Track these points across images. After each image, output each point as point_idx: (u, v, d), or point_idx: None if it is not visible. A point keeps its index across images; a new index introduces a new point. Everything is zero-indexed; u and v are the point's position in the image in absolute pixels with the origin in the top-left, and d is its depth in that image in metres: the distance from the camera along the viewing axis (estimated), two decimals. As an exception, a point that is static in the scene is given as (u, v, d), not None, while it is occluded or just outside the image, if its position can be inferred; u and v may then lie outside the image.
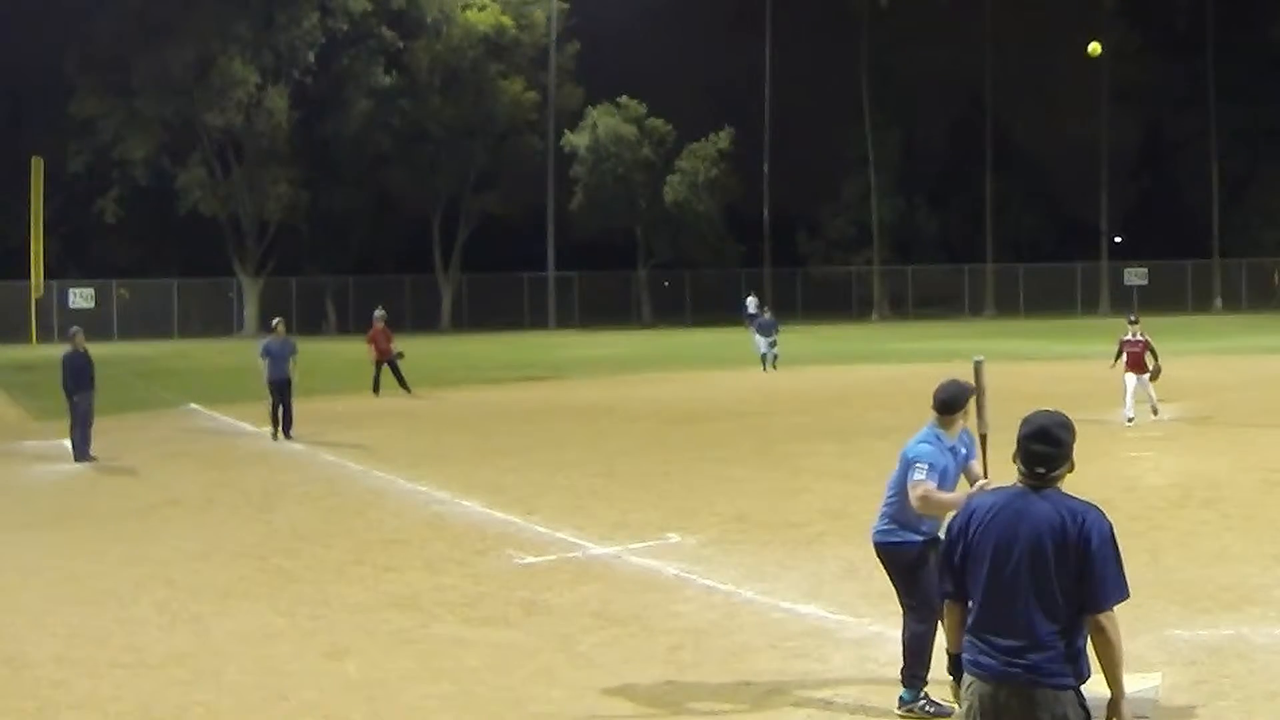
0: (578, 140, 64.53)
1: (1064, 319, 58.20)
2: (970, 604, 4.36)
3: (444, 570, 10.27)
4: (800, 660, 7.63)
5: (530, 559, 10.58)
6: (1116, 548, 4.19)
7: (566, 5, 64.70)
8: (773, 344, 31.14)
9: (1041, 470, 4.28)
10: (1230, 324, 50.81)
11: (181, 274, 61.22)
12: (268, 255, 61.37)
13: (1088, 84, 64.15)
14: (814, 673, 7.38)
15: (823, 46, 66.06)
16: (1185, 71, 65.39)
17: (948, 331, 50.58)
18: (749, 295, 58.56)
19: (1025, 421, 4.35)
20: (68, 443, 17.70)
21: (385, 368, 26.12)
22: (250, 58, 57.84)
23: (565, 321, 63.31)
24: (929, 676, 6.67)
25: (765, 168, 66.65)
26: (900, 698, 6.76)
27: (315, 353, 30.90)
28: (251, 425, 20.91)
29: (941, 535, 5.29)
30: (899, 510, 6.81)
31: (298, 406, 19.72)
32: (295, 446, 18.52)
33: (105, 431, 18.40)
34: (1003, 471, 5.22)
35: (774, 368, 30.65)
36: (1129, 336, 19.60)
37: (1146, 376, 19.27)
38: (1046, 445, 4.29)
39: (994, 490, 4.43)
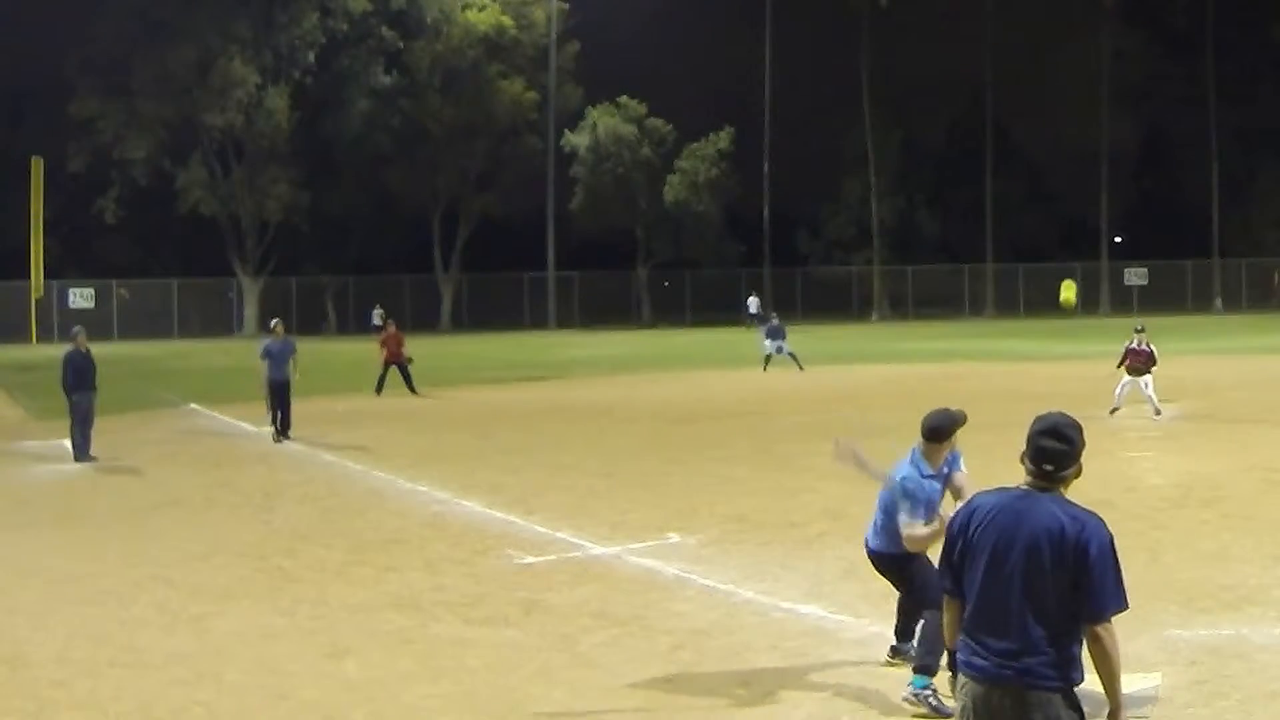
0: (578, 140, 64.55)
1: (1064, 319, 58.19)
2: (966, 603, 4.36)
3: (444, 570, 10.27)
4: (800, 660, 7.63)
5: (530, 559, 10.57)
6: (1116, 558, 4.17)
7: (566, 5, 64.70)
8: (780, 349, 31.11)
9: (1050, 468, 4.27)
10: (1230, 324, 50.83)
11: (181, 274, 61.20)
12: (268, 255, 61.37)
13: (1088, 84, 64.18)
14: (814, 673, 7.38)
15: (823, 46, 66.10)
16: (1185, 71, 65.40)
17: (948, 331, 50.60)
18: (750, 295, 58.59)
19: (1038, 419, 4.36)
20: (67, 443, 17.69)
21: (394, 370, 26.18)
22: (250, 58, 57.86)
23: (565, 321, 63.30)
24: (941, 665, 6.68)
25: (765, 168, 66.66)
26: (911, 682, 6.79)
27: (315, 353, 30.89)
28: (251, 425, 20.90)
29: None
30: (893, 527, 7.14)
31: (297, 406, 19.70)
32: (295, 446, 18.51)
33: (105, 431, 18.40)
34: (1003, 473, 5.22)
35: (799, 367, 30.52)
36: (1134, 344, 19.75)
37: (1146, 380, 19.41)
38: (1057, 442, 4.28)
39: (997, 490, 4.40)
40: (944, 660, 4.64)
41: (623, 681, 7.34)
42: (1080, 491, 4.37)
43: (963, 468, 7.16)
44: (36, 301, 51.96)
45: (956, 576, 4.38)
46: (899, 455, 7.32)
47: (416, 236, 66.02)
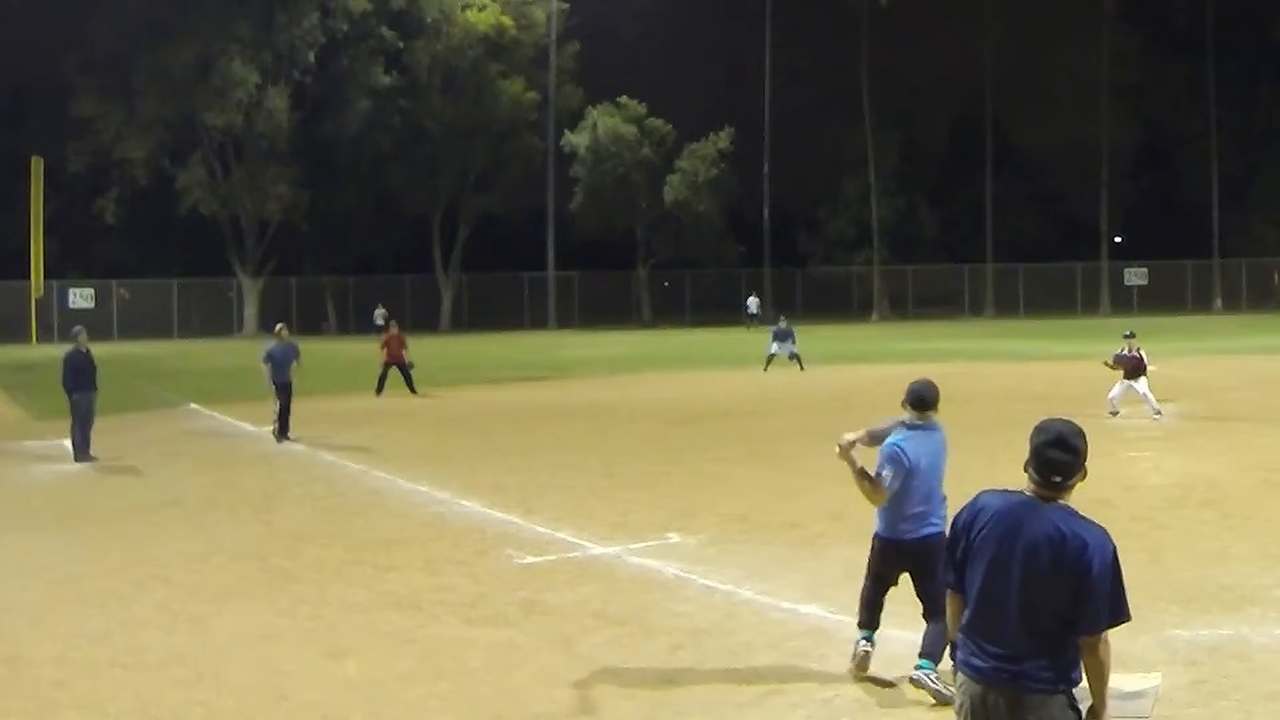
0: (578, 140, 64.55)
1: (1064, 319, 58.21)
2: (965, 605, 4.37)
3: (444, 570, 10.27)
4: (800, 660, 7.63)
5: (530, 559, 10.57)
6: (1119, 571, 4.17)
7: (566, 5, 64.72)
8: (789, 352, 31.14)
9: (1058, 479, 4.24)
10: (1230, 324, 50.83)
11: (181, 274, 61.22)
12: (268, 255, 61.36)
13: (1088, 84, 64.16)
14: (814, 673, 7.38)
15: (823, 46, 66.00)
16: (1185, 71, 65.40)
17: (948, 331, 50.59)
18: (750, 296, 58.54)
19: (1040, 429, 4.31)
20: (67, 443, 17.69)
21: (394, 371, 26.17)
22: (250, 58, 57.85)
23: (565, 321, 63.31)
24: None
25: (765, 168, 66.66)
26: (919, 665, 6.86)
27: (315, 353, 30.86)
28: (251, 425, 20.91)
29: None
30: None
31: (297, 406, 19.71)
32: (295, 447, 18.51)
33: (105, 431, 18.40)
34: (1004, 474, 5.22)
35: (800, 367, 30.61)
36: (1124, 351, 19.80)
37: (1141, 383, 19.45)
38: (1064, 453, 4.25)
39: (1004, 493, 4.37)
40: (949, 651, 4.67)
41: (623, 681, 7.34)
42: (1080, 491, 4.37)
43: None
44: (36, 301, 52.02)
45: (959, 573, 4.40)
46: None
47: (416, 236, 66.04)
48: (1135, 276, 66.09)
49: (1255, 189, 66.44)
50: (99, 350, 19.68)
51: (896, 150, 68.58)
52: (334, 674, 7.65)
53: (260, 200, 59.83)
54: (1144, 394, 19.39)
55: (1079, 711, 4.19)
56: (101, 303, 57.79)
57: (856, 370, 31.54)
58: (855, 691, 7.03)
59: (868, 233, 68.62)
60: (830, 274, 70.33)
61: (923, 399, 7.11)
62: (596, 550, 10.84)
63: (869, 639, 7.28)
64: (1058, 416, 4.43)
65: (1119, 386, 19.61)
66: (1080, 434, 4.30)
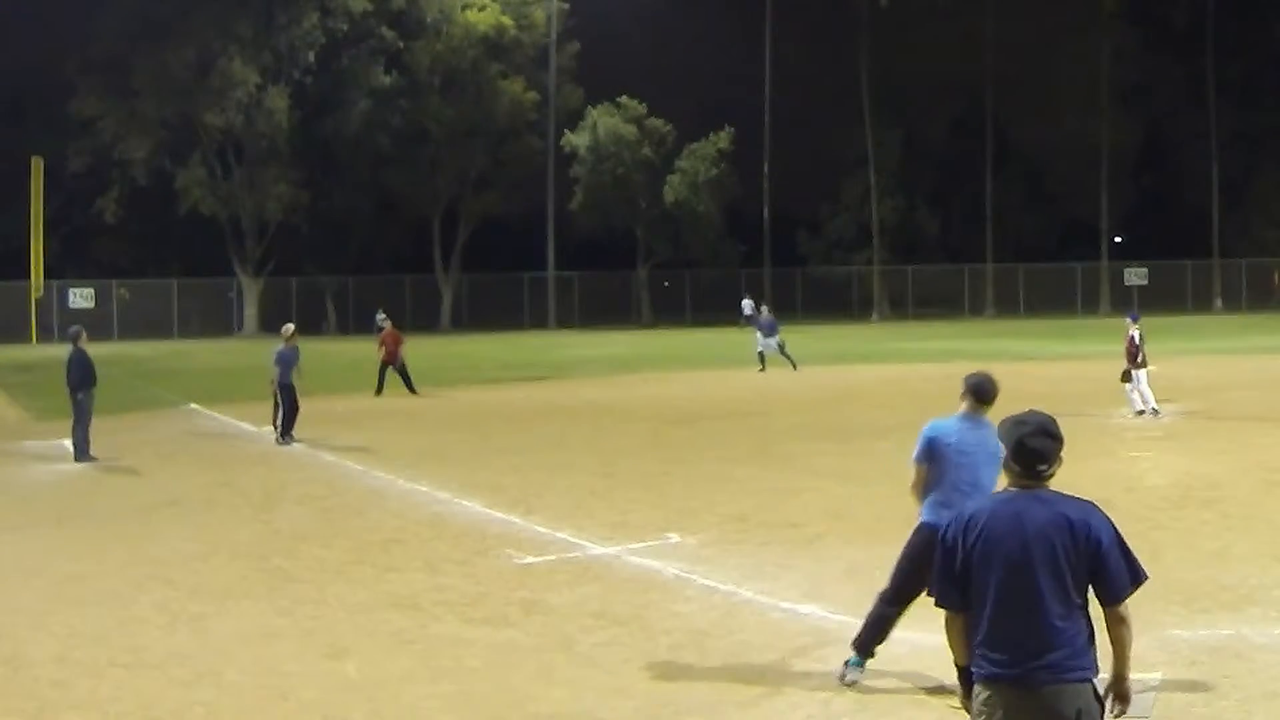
0: (578, 140, 64.54)
1: (1064, 319, 58.22)
2: (975, 616, 4.31)
3: (444, 570, 10.27)
4: (800, 660, 7.63)
5: (530, 559, 10.57)
6: (1122, 538, 4.27)
7: (566, 5, 64.71)
8: (775, 346, 31.12)
9: (1043, 467, 4.29)
10: (1230, 324, 50.83)
11: (181, 274, 61.23)
12: (268, 255, 61.36)
13: (1088, 84, 64.16)
14: (814, 673, 7.38)
15: (823, 46, 66.04)
16: (1185, 71, 65.40)
17: (948, 331, 50.58)
18: (744, 297, 58.45)
19: (1019, 422, 4.36)
20: (67, 442, 17.70)
21: (393, 370, 26.18)
22: (250, 58, 57.85)
23: (565, 321, 63.30)
24: None
25: (765, 168, 66.64)
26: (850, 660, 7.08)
27: (315, 353, 30.85)
28: (251, 425, 20.91)
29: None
30: None
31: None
32: (295, 447, 18.51)
33: (105, 431, 18.40)
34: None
35: (794, 366, 30.57)
36: (1131, 335, 19.72)
37: (1141, 375, 19.32)
38: (1048, 439, 4.31)
39: (987, 497, 4.40)
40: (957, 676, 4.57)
41: (623, 681, 7.34)
42: (1080, 491, 4.38)
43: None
44: (36, 301, 52.06)
45: (962, 589, 4.34)
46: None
47: (416, 236, 66.03)
48: (1135, 276, 66.08)
49: (1255, 189, 66.44)
50: (99, 350, 19.70)
51: (896, 150, 68.57)
52: (334, 674, 7.65)
53: (260, 200, 59.83)
54: (1138, 388, 19.22)
55: (1102, 702, 4.24)
56: (101, 303, 57.79)
57: (856, 370, 31.54)
58: (855, 691, 7.02)
59: (868, 233, 68.63)
60: (830, 274, 70.33)
61: (981, 392, 6.89)
62: (596, 550, 10.84)
63: (860, 666, 7.09)
64: (1030, 408, 4.48)
65: (1140, 378, 19.28)
66: (1055, 421, 4.38)
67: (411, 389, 26.03)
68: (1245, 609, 8.43)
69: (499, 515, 12.55)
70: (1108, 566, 4.19)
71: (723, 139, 64.82)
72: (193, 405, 24.99)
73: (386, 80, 60.69)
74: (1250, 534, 10.82)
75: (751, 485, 14.07)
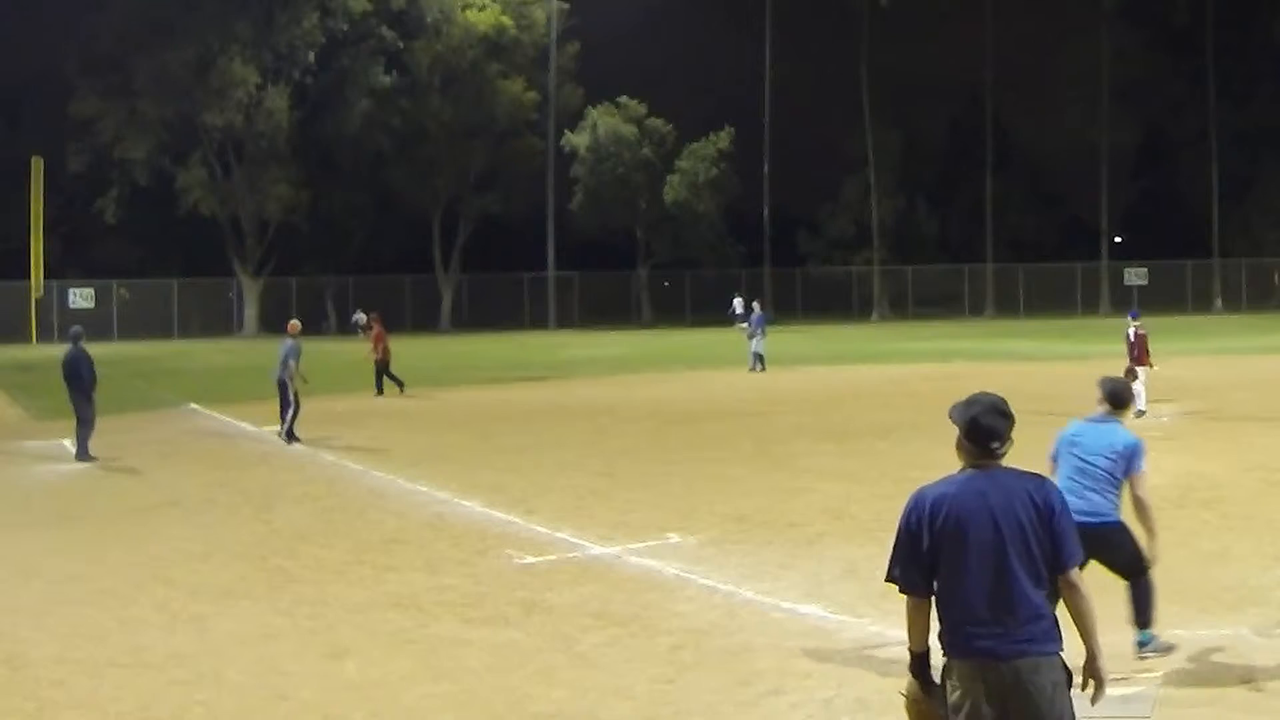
0: (578, 140, 64.56)
1: (1064, 319, 58.22)
2: (948, 596, 4.33)
3: (444, 570, 10.27)
4: (800, 660, 7.63)
5: (530, 559, 10.57)
6: (1069, 511, 4.42)
7: (566, 5, 64.72)
8: (757, 343, 31.26)
9: (995, 445, 4.39)
10: (1230, 324, 50.83)
11: (181, 274, 61.22)
12: (268, 255, 61.37)
13: (1088, 84, 64.18)
14: (814, 673, 7.38)
15: (823, 46, 66.09)
16: (1185, 71, 65.42)
17: (948, 331, 50.60)
18: (735, 296, 58.40)
19: (971, 402, 4.47)
20: (67, 442, 17.71)
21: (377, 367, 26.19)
22: (250, 58, 57.85)
23: (565, 321, 63.32)
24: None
25: (765, 168, 66.66)
26: (1141, 640, 7.08)
27: (316, 353, 30.86)
28: (251, 425, 20.91)
29: None
30: (1115, 494, 7.29)
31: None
32: (295, 447, 18.51)
33: (105, 431, 18.39)
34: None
35: (762, 367, 30.67)
36: (1130, 332, 19.75)
37: (1141, 374, 19.35)
38: (1000, 418, 4.41)
39: (940, 481, 4.43)
40: (909, 665, 4.51)
41: (623, 681, 7.34)
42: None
43: None
44: (36, 301, 52.04)
45: (928, 575, 4.36)
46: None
47: (416, 236, 66.04)
48: (1135, 276, 66.08)
49: (1255, 189, 66.45)
50: (99, 350, 19.70)
51: (896, 150, 68.61)
52: (334, 674, 7.65)
53: (260, 200, 59.84)
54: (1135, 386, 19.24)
55: (1069, 672, 4.31)
56: (101, 303, 57.79)
57: (857, 370, 31.54)
58: (855, 691, 7.02)
59: (868, 233, 68.65)
60: (830, 274, 70.37)
61: (1117, 397, 7.55)
62: (596, 550, 10.84)
63: (1156, 637, 7.25)
64: (982, 390, 4.58)
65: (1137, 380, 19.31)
66: (1006, 401, 4.49)
67: (380, 390, 25.94)
68: (1245, 609, 8.43)
69: (499, 515, 12.55)
70: (1063, 534, 4.30)
71: (723, 139, 64.84)
72: (193, 405, 24.99)
73: (386, 80, 60.70)
74: (1250, 534, 10.82)
75: (751, 485, 14.07)
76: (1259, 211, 66.45)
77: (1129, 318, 20.29)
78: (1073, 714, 4.26)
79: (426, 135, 61.94)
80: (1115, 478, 7.22)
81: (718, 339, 48.12)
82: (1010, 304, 65.89)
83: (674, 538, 11.23)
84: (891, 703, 6.83)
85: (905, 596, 4.43)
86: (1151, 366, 19.72)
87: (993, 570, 4.24)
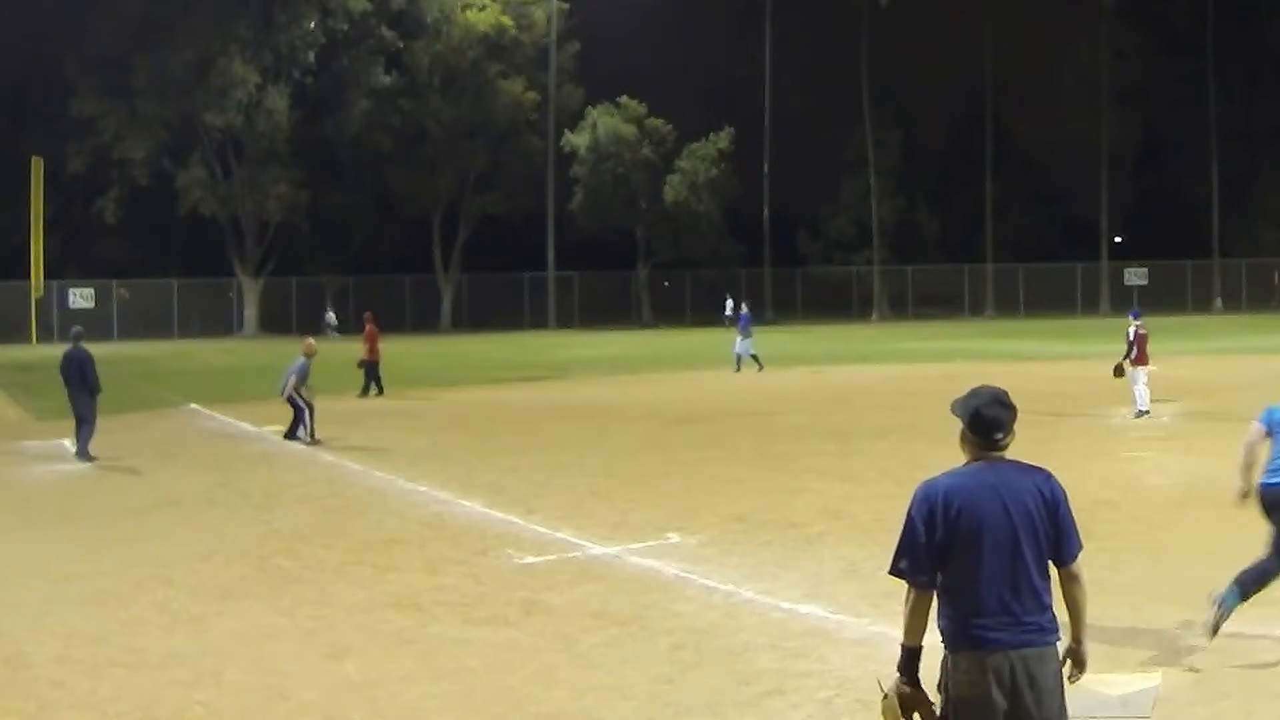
0: (578, 140, 64.56)
1: (1064, 319, 58.22)
2: (957, 588, 4.33)
3: (444, 570, 10.26)
4: (800, 660, 7.62)
5: (530, 559, 10.57)
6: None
7: (566, 5, 64.74)
8: (738, 344, 31.33)
9: (999, 435, 4.41)
10: (1230, 324, 50.82)
11: (181, 274, 61.23)
12: (268, 255, 61.38)
13: (1088, 84, 64.18)
14: (814, 673, 7.37)
15: (823, 46, 66.09)
16: (1185, 71, 65.42)
17: (948, 331, 50.60)
18: (727, 297, 58.34)
19: (972, 395, 4.48)
20: (67, 442, 17.70)
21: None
22: (250, 58, 57.85)
23: (565, 321, 63.33)
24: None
25: (765, 168, 66.66)
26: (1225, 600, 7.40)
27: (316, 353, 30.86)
28: (251, 425, 20.91)
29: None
30: None
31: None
32: (295, 446, 18.51)
33: (105, 431, 18.37)
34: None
35: (738, 368, 30.74)
36: (1130, 331, 19.75)
37: (1140, 371, 19.31)
38: (1002, 409, 4.43)
39: (948, 473, 4.43)
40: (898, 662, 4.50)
41: (622, 682, 7.33)
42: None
43: None
44: (36, 301, 52.05)
45: (935, 567, 4.34)
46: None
47: (416, 236, 66.06)
48: (1135, 276, 66.10)
49: (1255, 189, 66.44)
50: (98, 350, 19.68)
51: (896, 150, 68.63)
52: (334, 674, 7.65)
53: (260, 200, 59.83)
54: (1135, 386, 19.21)
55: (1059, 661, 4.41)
56: (101, 303, 57.81)
57: (857, 370, 31.54)
58: (855, 691, 7.01)
59: (868, 233, 68.65)
60: (830, 274, 70.37)
61: None
62: (596, 550, 10.84)
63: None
64: (977, 384, 4.59)
65: (1138, 377, 19.31)
66: (1007, 393, 4.51)
67: (365, 392, 25.90)
68: (1245, 609, 8.41)
69: (499, 515, 12.55)
70: (1066, 526, 4.36)
71: (723, 139, 64.85)
72: (193, 405, 24.99)
73: (386, 80, 60.71)
74: (1251, 535, 10.78)
75: (751, 485, 14.06)
76: (1259, 211, 66.45)
77: (1130, 317, 20.27)
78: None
79: (426, 135, 61.95)
80: None
81: (718, 339, 48.08)
82: (1010, 304, 65.90)
83: (674, 538, 11.23)
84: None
85: (909, 590, 4.42)
86: (1146, 364, 19.71)
87: (1010, 562, 4.28)
